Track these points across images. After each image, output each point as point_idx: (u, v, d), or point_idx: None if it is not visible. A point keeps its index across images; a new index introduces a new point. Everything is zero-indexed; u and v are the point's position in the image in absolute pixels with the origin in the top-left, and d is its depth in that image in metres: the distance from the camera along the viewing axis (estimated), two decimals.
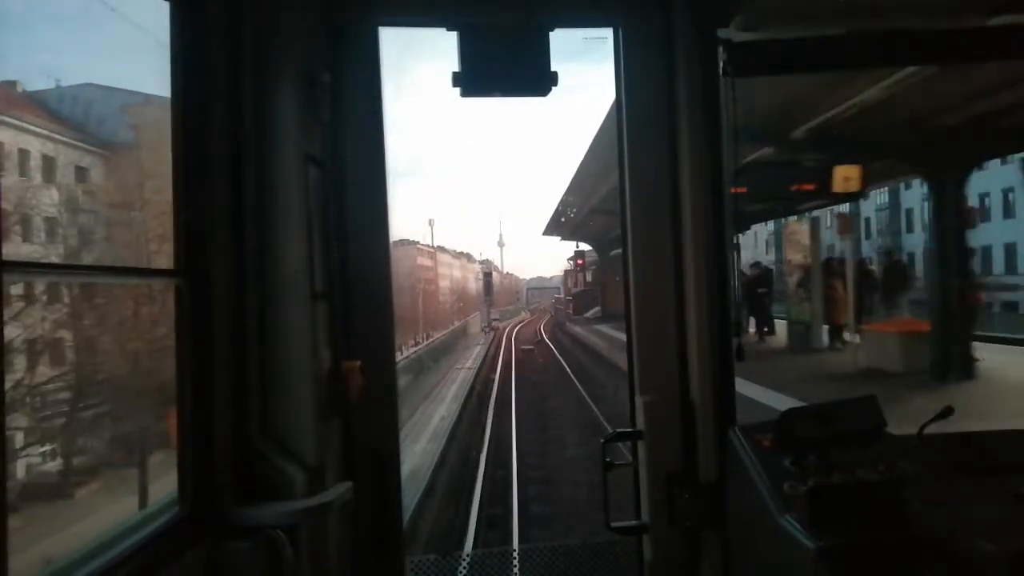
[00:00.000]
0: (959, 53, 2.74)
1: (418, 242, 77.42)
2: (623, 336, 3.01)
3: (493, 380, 24.98)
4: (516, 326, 53.03)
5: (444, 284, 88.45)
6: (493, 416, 17.81)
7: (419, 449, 14.10)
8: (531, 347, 36.13)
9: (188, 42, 1.90)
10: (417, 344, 35.25)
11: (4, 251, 1.26)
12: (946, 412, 2.33)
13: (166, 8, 1.91)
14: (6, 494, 1.13)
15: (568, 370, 25.16)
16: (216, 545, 1.86)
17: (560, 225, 42.55)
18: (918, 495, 2.03)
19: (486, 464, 12.96)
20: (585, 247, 46.17)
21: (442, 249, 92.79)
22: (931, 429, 2.33)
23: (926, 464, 2.21)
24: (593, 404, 17.81)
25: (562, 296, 55.94)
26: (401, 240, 67.66)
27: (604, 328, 31.57)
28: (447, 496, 11.60)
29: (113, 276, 2.18)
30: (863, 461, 2.15)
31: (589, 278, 45.29)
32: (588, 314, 41.17)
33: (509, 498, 11.11)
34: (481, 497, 11.08)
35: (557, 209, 38.86)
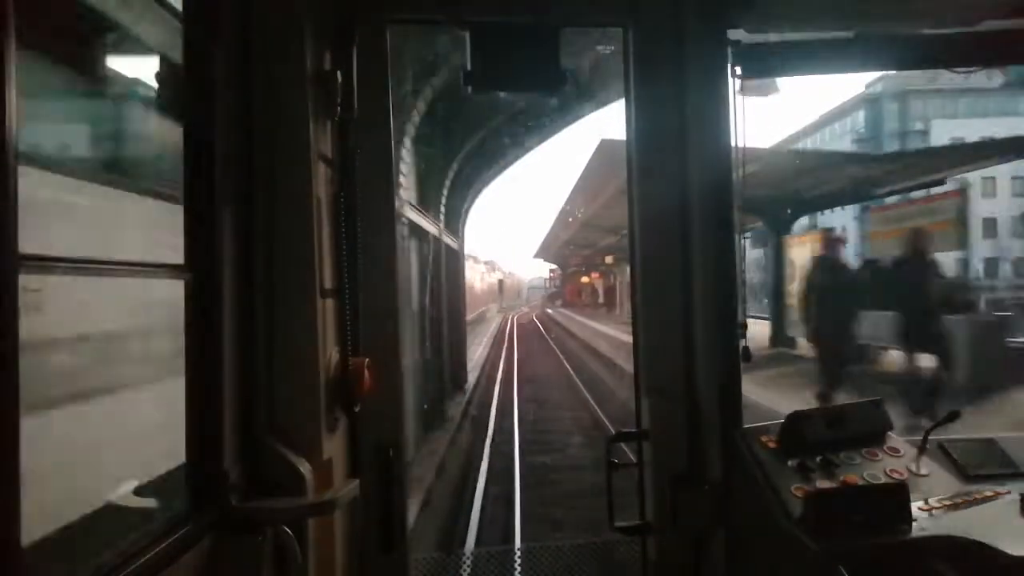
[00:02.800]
0: (965, 57, 2.65)
1: None
2: (566, 311, 18.92)
3: (505, 331, 54.08)
4: (516, 315, 79.19)
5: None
6: (507, 343, 43.28)
7: (483, 343, 43.19)
8: (525, 322, 65.92)
9: (198, 39, 1.85)
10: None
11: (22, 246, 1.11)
12: (952, 416, 2.29)
13: (178, 5, 1.87)
14: (19, 490, 1.08)
15: (540, 327, 54.83)
16: (222, 540, 1.81)
17: (542, 253, 72.22)
18: (922, 498, 2.03)
19: (504, 355, 29.94)
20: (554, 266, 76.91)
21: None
22: (936, 433, 2.29)
23: (931, 467, 2.19)
24: (545, 332, 45.31)
25: (545, 294, 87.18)
26: None
27: (562, 310, 62.00)
28: (497, 338, 38.43)
29: (124, 272, 1.62)
30: (868, 464, 2.16)
31: (558, 283, 75.77)
32: (556, 303, 72.15)
33: (512, 347, 35.58)
34: (508, 343, 37.36)
35: (541, 243, 68.33)
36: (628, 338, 6.29)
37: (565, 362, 26.27)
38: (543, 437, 13.83)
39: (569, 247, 53.43)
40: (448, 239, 15.81)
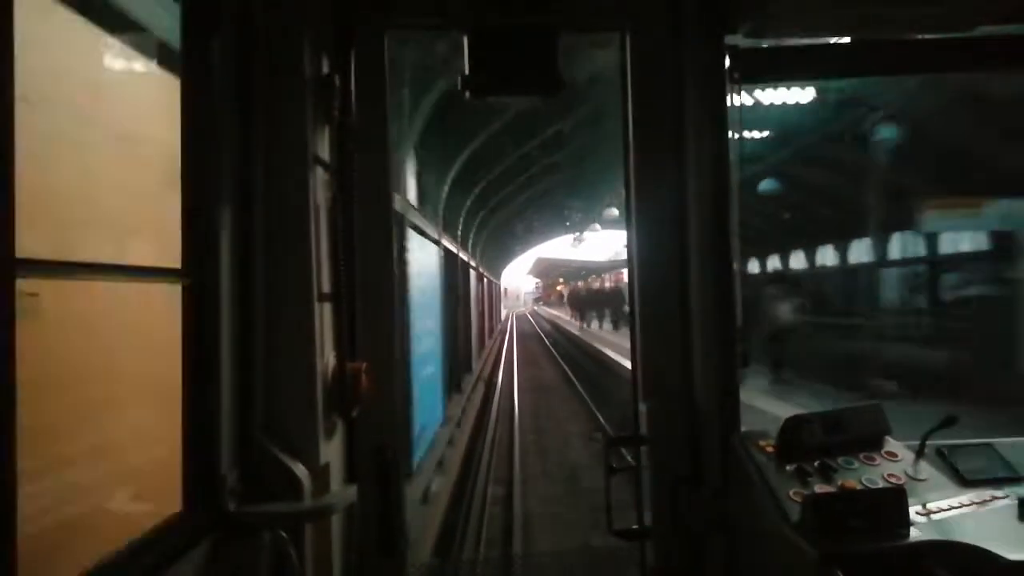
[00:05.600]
0: (962, 62, 2.70)
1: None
2: (544, 308, 48.98)
3: (509, 320, 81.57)
4: (515, 312, 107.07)
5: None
6: (510, 327, 63.11)
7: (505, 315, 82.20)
8: (519, 315, 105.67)
9: (198, 45, 1.85)
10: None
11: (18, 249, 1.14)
12: (949, 421, 2.27)
13: (177, 10, 1.89)
14: (17, 492, 1.10)
15: (530, 319, 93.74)
16: (219, 544, 1.80)
17: (533, 271, 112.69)
18: (920, 502, 2.01)
19: (510, 328, 55.39)
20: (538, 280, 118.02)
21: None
22: (934, 438, 2.28)
23: (929, 472, 2.18)
24: (533, 320, 79.40)
25: (534, 298, 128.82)
26: None
27: (543, 307, 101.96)
28: (505, 319, 75.36)
29: (121, 275, 1.63)
30: (866, 468, 2.16)
31: (541, 291, 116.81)
32: (540, 304, 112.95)
33: (512, 329, 60.94)
34: (510, 324, 70.70)
35: (532, 265, 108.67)
36: (558, 312, 49.72)
37: (532, 320, 68.58)
38: (523, 332, 53.86)
39: (544, 272, 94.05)
40: (493, 279, 54.95)
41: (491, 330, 36.86)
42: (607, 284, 49.23)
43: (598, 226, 40.40)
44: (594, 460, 12.64)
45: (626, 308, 17.58)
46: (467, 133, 13.91)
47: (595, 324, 39.64)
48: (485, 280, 30.93)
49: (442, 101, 10.93)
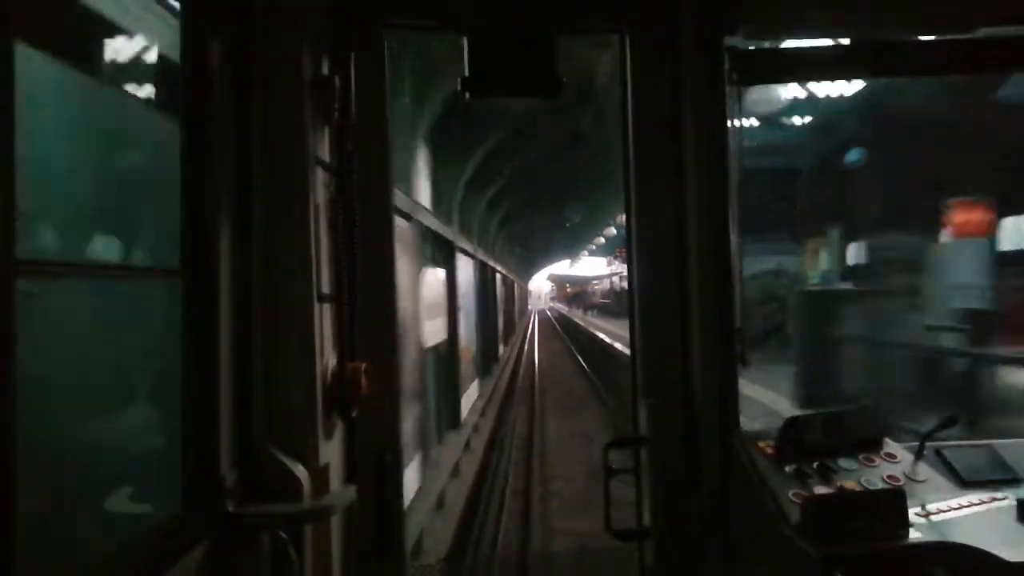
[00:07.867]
0: (962, 64, 2.68)
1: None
2: (558, 305, 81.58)
3: (533, 312, 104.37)
4: (536, 309, 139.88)
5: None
6: (534, 314, 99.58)
7: (533, 306, 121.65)
8: (538, 309, 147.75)
9: (196, 44, 1.85)
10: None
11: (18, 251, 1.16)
12: (949, 422, 2.28)
13: (176, 9, 1.87)
14: (15, 495, 1.09)
15: (547, 311, 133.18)
16: (218, 545, 1.80)
17: (551, 278, 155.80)
18: (920, 504, 2.01)
19: (532, 320, 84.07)
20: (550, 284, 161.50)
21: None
22: (933, 439, 2.29)
23: (928, 473, 2.18)
24: (548, 311, 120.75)
25: (551, 296, 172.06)
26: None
27: (557, 304, 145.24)
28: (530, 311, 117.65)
29: (120, 275, 1.86)
30: (865, 469, 2.16)
31: (556, 293, 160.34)
32: (554, 301, 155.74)
33: (532, 323, 75.79)
34: (531, 322, 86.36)
35: (550, 272, 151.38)
36: (563, 305, 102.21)
37: (548, 312, 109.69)
38: (544, 319, 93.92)
39: (557, 280, 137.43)
40: (523, 284, 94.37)
41: (524, 311, 78.60)
42: (583, 290, 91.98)
43: (594, 245, 63.82)
44: (552, 329, 59.17)
45: (593, 302, 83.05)
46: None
47: (575, 311, 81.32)
48: (517, 285, 51.65)
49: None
